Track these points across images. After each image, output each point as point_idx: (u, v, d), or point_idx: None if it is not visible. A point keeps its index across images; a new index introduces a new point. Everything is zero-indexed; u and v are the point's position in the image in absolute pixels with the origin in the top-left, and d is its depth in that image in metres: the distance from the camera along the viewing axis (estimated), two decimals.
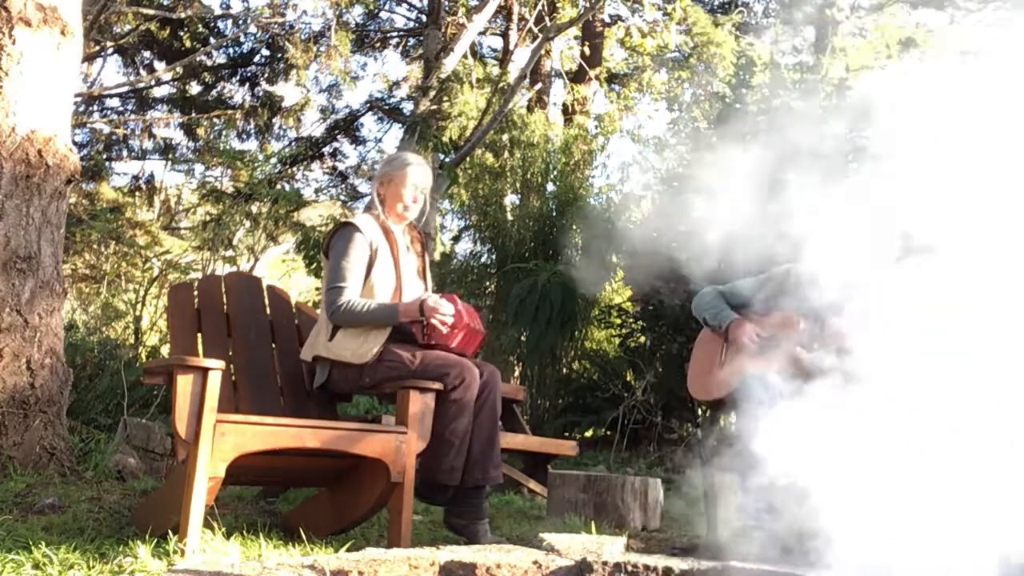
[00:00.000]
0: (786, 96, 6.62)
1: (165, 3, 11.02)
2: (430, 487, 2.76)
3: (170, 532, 2.25)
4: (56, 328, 3.59)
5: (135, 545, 2.17)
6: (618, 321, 8.02)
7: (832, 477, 2.11)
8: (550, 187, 9.30)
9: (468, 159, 8.95)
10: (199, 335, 2.89)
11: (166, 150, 12.39)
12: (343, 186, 13.60)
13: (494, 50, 13.92)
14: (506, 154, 9.68)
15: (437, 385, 2.70)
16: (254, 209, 8.07)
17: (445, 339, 2.87)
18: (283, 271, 11.27)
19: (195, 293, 2.95)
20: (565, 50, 13.12)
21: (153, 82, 12.17)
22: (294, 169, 12.68)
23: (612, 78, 13.89)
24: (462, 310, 2.90)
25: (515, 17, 11.85)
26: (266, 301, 3.07)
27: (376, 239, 2.94)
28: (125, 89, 12.07)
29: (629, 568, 1.98)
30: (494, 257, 8.99)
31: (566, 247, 8.43)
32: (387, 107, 13.24)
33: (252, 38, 12.30)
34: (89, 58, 10.86)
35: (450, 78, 9.51)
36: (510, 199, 9.65)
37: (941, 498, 1.93)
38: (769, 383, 2.76)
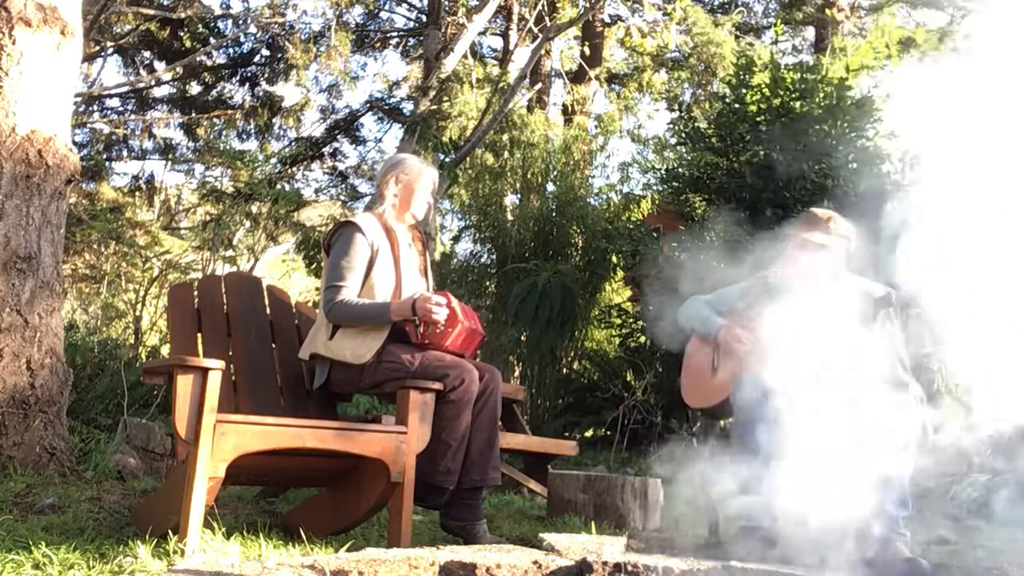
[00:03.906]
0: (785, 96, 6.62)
1: (165, 3, 11.03)
2: (425, 489, 2.71)
3: (170, 532, 2.24)
4: (56, 328, 3.59)
5: (135, 545, 2.17)
6: (618, 321, 8.03)
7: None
8: (550, 187, 9.30)
9: (468, 159, 8.95)
10: (199, 335, 2.89)
11: (166, 150, 12.41)
12: (343, 186, 13.62)
13: (494, 50, 13.94)
14: (506, 154, 9.69)
15: (437, 385, 2.69)
16: (254, 209, 8.07)
17: (439, 338, 2.81)
18: (283, 271, 11.26)
19: (195, 293, 2.95)
20: (565, 50, 13.13)
21: (153, 82, 12.19)
22: (294, 169, 12.70)
23: (612, 78, 13.91)
24: (457, 308, 2.83)
25: (515, 17, 11.86)
26: (266, 301, 3.07)
27: (377, 238, 2.93)
28: (125, 89, 12.08)
29: (629, 568, 1.98)
30: (494, 257, 8.99)
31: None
32: (387, 107, 13.25)
33: (252, 38, 12.33)
34: (89, 58, 10.86)
35: (450, 78, 9.51)
36: (510, 199, 9.66)
37: None
38: (765, 383, 2.75)
